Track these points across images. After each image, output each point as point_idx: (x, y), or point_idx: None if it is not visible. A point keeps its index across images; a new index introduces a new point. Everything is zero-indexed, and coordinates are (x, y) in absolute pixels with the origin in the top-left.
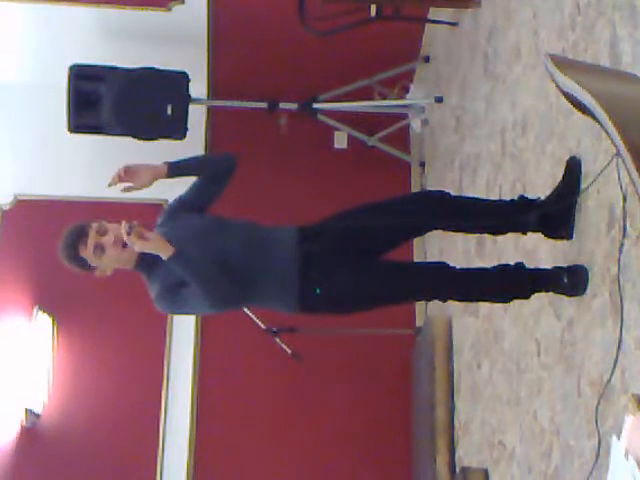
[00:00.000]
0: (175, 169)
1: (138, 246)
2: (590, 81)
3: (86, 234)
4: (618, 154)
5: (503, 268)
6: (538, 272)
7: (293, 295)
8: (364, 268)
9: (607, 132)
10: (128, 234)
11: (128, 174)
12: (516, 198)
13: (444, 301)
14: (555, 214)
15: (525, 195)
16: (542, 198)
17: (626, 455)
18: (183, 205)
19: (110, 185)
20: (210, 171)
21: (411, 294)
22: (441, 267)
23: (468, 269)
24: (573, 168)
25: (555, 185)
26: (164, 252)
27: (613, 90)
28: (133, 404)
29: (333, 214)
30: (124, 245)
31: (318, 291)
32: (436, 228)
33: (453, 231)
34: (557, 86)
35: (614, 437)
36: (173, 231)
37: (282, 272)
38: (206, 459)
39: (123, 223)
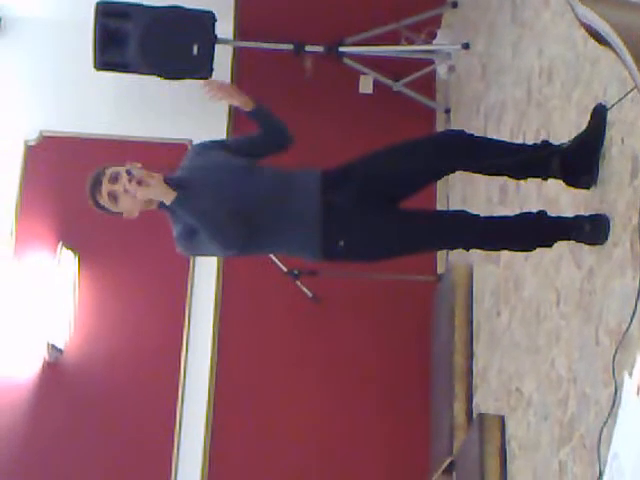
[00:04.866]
0: (261, 108)
1: (139, 194)
2: (610, 12)
3: (100, 182)
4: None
5: (525, 216)
6: (560, 220)
7: (316, 246)
8: (386, 219)
9: (625, 64)
10: (129, 181)
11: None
12: (539, 142)
13: (467, 250)
14: (578, 161)
15: (548, 140)
16: (565, 143)
17: (637, 393)
18: (222, 147)
19: (206, 85)
20: (274, 136)
21: (434, 243)
22: (463, 215)
23: (490, 217)
24: (599, 115)
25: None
26: (166, 198)
27: (633, 21)
28: (154, 341)
29: (354, 159)
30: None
31: (341, 243)
32: (457, 168)
33: (473, 171)
34: (577, 17)
35: (626, 375)
36: (198, 169)
37: (305, 224)
38: (226, 398)
39: (124, 172)
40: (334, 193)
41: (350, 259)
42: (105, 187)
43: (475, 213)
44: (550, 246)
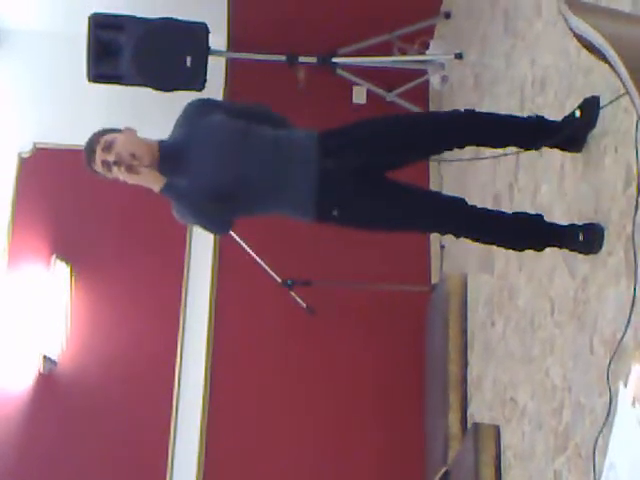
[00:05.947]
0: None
1: (129, 181)
2: (603, 23)
3: (94, 151)
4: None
5: (521, 215)
6: (554, 226)
7: (311, 212)
8: (383, 194)
9: (619, 75)
10: (115, 163)
11: None
12: (534, 117)
13: (457, 237)
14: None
15: (543, 117)
16: (559, 121)
17: (633, 403)
18: (218, 108)
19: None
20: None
21: (427, 223)
22: (460, 200)
23: (487, 209)
24: (591, 104)
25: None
26: (154, 185)
27: (626, 33)
28: (149, 352)
29: (353, 126)
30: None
31: (335, 213)
32: (455, 148)
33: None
34: (570, 28)
35: (621, 384)
36: (195, 130)
37: (301, 190)
38: (221, 409)
39: (112, 159)
40: (332, 161)
41: (343, 226)
42: (99, 156)
43: (472, 203)
44: (540, 249)
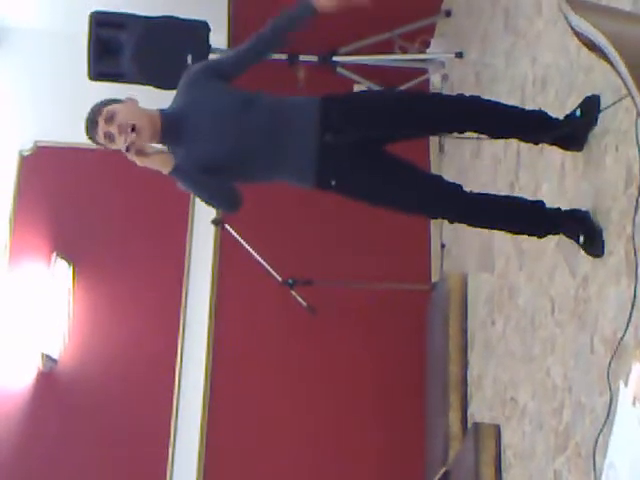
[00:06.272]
0: None
1: (138, 163)
2: (603, 22)
3: (96, 122)
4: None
5: (520, 200)
6: (556, 213)
7: (310, 180)
8: (380, 167)
9: (619, 74)
10: (127, 150)
11: None
12: (537, 110)
13: (451, 222)
14: (570, 138)
15: (546, 112)
16: (560, 119)
17: (633, 402)
18: (220, 73)
19: None
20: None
21: (423, 206)
22: (458, 188)
23: (483, 194)
24: (592, 103)
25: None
26: (163, 168)
27: (627, 32)
28: (149, 351)
29: (354, 98)
30: (132, 130)
31: (333, 183)
32: (453, 129)
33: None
34: (570, 26)
35: (621, 384)
36: (195, 100)
37: (301, 158)
38: (221, 407)
39: (122, 142)
40: (331, 135)
41: (342, 196)
42: (101, 127)
43: (468, 190)
44: (542, 236)
